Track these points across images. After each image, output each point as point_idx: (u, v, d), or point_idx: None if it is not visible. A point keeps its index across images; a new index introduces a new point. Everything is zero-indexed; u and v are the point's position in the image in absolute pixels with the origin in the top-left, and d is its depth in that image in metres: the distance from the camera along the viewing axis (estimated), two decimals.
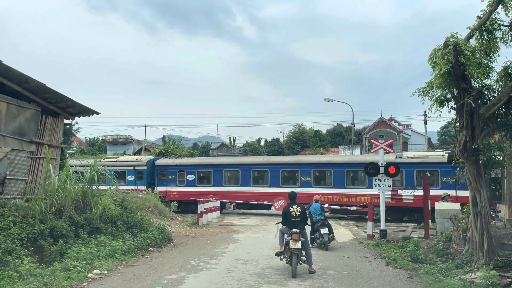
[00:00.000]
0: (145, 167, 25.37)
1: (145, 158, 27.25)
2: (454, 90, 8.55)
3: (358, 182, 21.31)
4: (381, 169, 13.48)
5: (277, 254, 8.71)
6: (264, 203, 21.96)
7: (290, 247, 7.97)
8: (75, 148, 49.74)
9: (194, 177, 24.47)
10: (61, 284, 6.84)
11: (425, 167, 19.71)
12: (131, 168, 25.29)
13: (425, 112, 31.18)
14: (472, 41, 8.35)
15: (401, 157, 20.72)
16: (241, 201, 22.32)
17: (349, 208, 19.80)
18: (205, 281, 7.47)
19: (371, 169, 13.54)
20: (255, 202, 22.26)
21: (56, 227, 8.57)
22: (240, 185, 23.26)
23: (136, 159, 27.31)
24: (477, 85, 8.60)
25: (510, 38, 8.42)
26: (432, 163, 19.70)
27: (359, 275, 8.16)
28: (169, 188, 24.07)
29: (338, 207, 20.10)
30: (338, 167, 21.56)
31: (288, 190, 22.42)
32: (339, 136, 61.98)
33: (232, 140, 68.15)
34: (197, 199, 19.47)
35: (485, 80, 8.59)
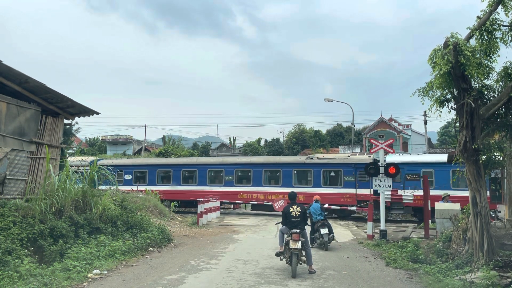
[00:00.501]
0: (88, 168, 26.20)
1: (89, 159, 27.87)
2: (454, 90, 8.56)
3: (273, 181, 22.98)
4: (381, 169, 13.46)
5: (277, 254, 8.71)
6: (198, 199, 24.16)
7: (290, 247, 7.97)
8: (75, 148, 49.77)
9: (131, 177, 25.65)
10: (61, 284, 6.83)
11: (331, 167, 21.67)
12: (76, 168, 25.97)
13: (425, 112, 31.19)
14: (472, 41, 8.36)
15: (312, 159, 22.60)
16: (173, 199, 23.22)
17: (265, 203, 21.83)
18: (205, 281, 7.47)
19: (371, 169, 13.52)
20: (186, 200, 23.72)
21: (56, 227, 8.56)
22: (171, 184, 24.43)
23: (82, 159, 27.99)
24: (477, 85, 8.60)
25: (510, 38, 8.43)
26: (336, 163, 21.43)
27: (359, 275, 8.16)
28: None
29: (256, 203, 22.48)
30: (257, 167, 23.22)
31: (214, 188, 23.30)
32: (339, 136, 61.96)
33: (232, 140, 68.17)
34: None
35: (485, 80, 8.59)
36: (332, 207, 19.75)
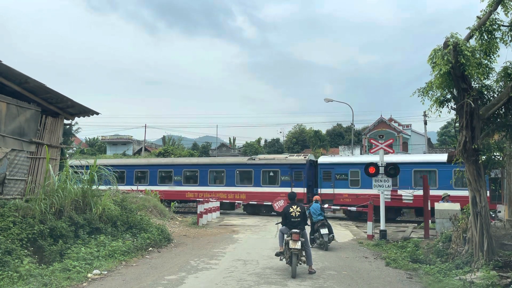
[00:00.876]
0: None
1: None
2: (454, 90, 8.55)
3: (218, 181, 24.39)
4: (381, 170, 13.45)
5: (277, 255, 8.70)
6: None
7: (290, 247, 7.97)
8: (75, 149, 49.77)
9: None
10: (61, 284, 6.83)
11: (269, 168, 23.19)
12: None
13: (425, 112, 31.20)
14: (472, 42, 8.36)
15: (254, 159, 24.23)
16: None
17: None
18: (205, 281, 7.47)
19: (371, 169, 13.49)
20: None
21: (56, 227, 8.56)
22: (125, 184, 25.17)
23: None
24: (477, 85, 8.60)
25: (509, 38, 8.43)
26: (275, 164, 22.99)
27: (359, 275, 8.16)
28: None
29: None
30: (203, 167, 24.69)
31: (164, 188, 24.38)
32: (339, 136, 62.00)
33: (231, 141, 68.17)
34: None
35: (485, 81, 8.59)
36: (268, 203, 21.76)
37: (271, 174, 23.12)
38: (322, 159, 23.06)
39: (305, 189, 21.73)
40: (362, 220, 19.60)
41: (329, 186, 21.45)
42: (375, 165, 13.57)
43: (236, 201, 23.65)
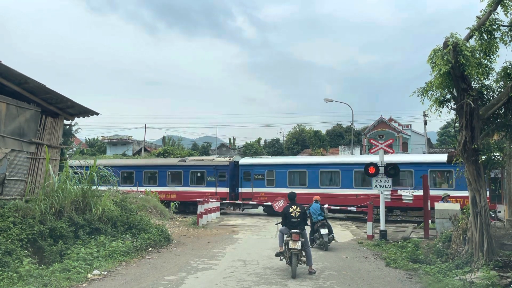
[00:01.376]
0: None
1: None
2: (454, 90, 8.55)
3: (152, 181, 25.68)
4: (381, 170, 13.45)
5: (277, 255, 8.70)
6: None
7: (290, 247, 7.97)
8: (74, 149, 49.78)
9: None
10: (61, 285, 6.84)
11: (197, 169, 24.65)
12: None
13: (424, 112, 31.19)
14: (472, 42, 8.36)
15: (184, 161, 25.80)
16: None
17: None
18: (205, 281, 7.47)
19: (371, 170, 13.48)
20: None
21: (56, 227, 8.56)
22: None
23: None
24: (476, 85, 8.60)
25: (509, 38, 8.44)
26: (202, 165, 24.63)
27: (359, 276, 8.16)
28: None
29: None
30: (138, 168, 26.17)
31: (103, 188, 26.20)
32: (339, 136, 62.01)
33: (231, 141, 68.16)
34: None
35: (484, 81, 8.58)
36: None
37: (199, 175, 24.56)
38: (243, 161, 24.58)
39: (228, 188, 23.45)
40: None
41: (249, 185, 23.13)
42: (375, 165, 13.57)
43: (169, 201, 24.97)
